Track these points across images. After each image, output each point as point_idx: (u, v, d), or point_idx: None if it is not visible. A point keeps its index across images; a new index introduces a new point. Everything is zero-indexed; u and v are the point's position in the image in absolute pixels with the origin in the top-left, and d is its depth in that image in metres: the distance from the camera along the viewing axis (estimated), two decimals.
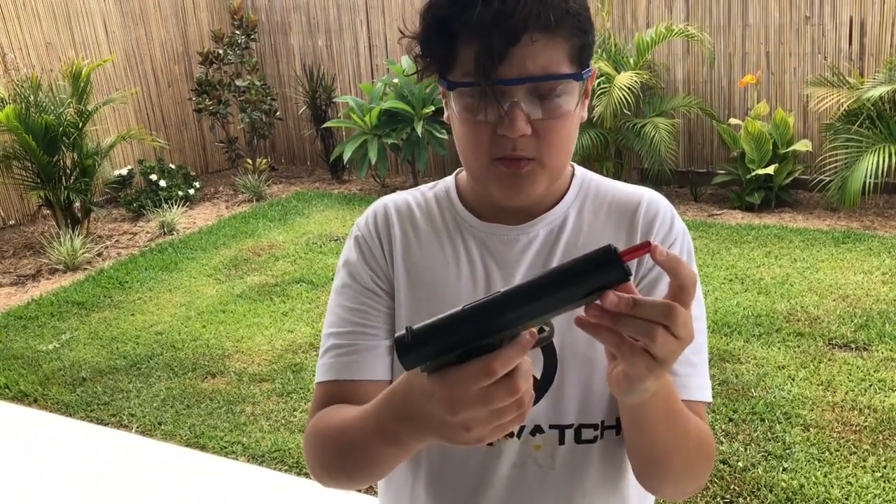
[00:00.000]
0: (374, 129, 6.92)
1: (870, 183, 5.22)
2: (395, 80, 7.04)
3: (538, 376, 0.99)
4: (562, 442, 1.02)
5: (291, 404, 3.68)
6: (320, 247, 5.81)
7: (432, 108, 6.77)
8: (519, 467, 1.03)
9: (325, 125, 7.69)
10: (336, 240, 5.93)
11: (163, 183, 7.12)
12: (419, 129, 6.68)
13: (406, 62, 7.01)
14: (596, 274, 0.70)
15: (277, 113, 7.85)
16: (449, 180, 1.13)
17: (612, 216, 1.05)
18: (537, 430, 1.02)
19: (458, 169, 1.12)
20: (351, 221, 6.35)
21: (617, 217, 1.05)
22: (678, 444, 0.94)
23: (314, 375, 2.95)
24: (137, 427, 3.61)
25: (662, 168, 6.04)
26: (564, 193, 1.06)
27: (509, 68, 0.88)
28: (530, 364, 0.75)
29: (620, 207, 1.05)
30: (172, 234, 6.37)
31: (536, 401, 1.01)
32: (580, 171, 1.09)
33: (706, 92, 6.47)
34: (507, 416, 0.74)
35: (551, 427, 1.01)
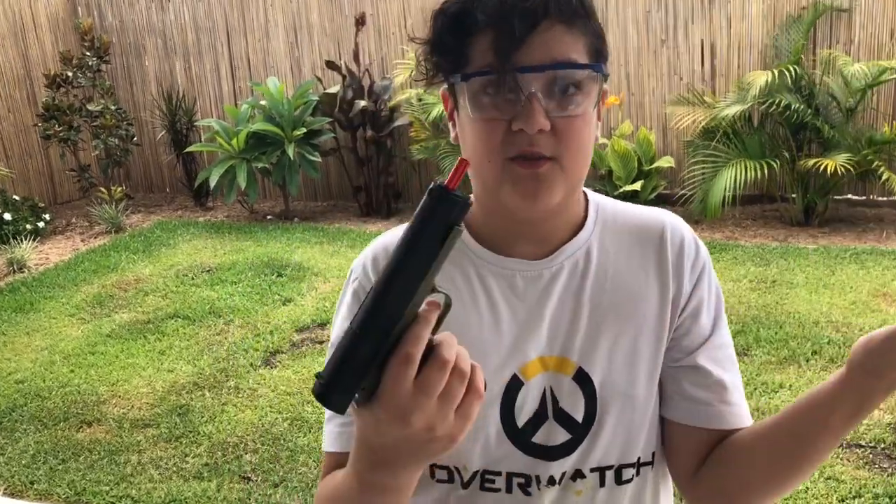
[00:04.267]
0: (242, 152, 6.67)
1: (728, 196, 5.55)
2: (263, 102, 6.84)
3: (579, 419, 0.95)
4: (602, 484, 0.98)
5: (182, 449, 3.43)
6: (192, 279, 5.52)
7: (303, 129, 6.61)
8: None
9: (187, 150, 7.35)
10: (208, 270, 5.65)
11: (7, 216, 6.55)
12: (290, 152, 6.50)
13: (272, 83, 6.83)
14: (439, 216, 0.68)
15: (134, 138, 7.43)
16: None
17: (636, 244, 1.00)
18: (578, 475, 0.97)
19: None
20: (222, 250, 6.09)
21: (641, 244, 1.00)
22: (797, 457, 0.91)
23: (202, 417, 2.73)
24: (6, 489, 3.25)
25: None
26: (582, 221, 1.00)
27: (528, 55, 0.83)
28: (450, 336, 0.70)
29: (643, 235, 1.00)
30: (24, 272, 5.87)
31: (577, 444, 0.96)
32: (592, 195, 1.04)
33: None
34: (457, 394, 0.69)
35: (592, 470, 0.97)
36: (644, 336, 0.97)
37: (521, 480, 0.97)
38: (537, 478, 0.97)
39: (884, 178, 5.42)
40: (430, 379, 0.67)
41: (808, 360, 3.81)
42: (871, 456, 3.10)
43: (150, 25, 7.85)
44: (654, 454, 1.01)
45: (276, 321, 4.70)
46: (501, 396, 0.96)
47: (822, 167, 5.40)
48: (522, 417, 0.96)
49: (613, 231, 1.01)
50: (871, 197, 6.18)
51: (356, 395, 0.70)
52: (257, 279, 5.40)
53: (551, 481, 0.97)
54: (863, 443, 3.17)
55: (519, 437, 0.96)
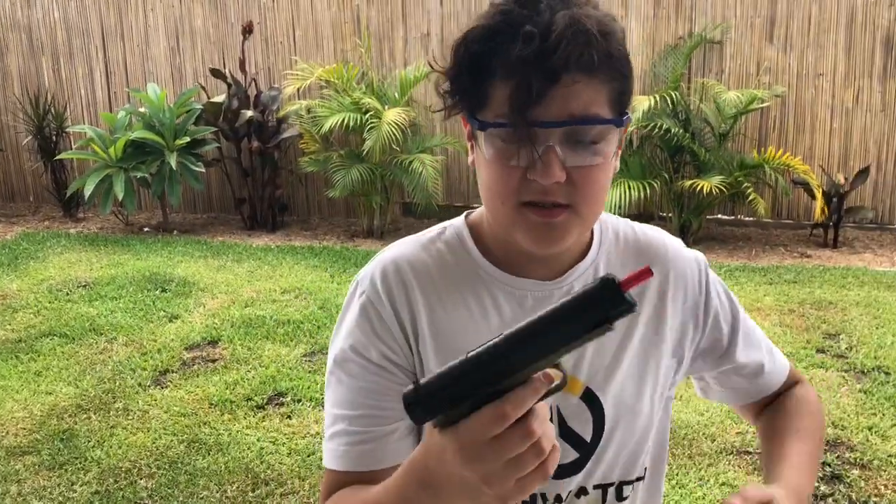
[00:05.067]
0: (120, 161, 6.35)
1: (612, 213, 5.75)
2: (142, 109, 6.54)
3: (587, 438, 0.95)
4: (604, 501, 1.00)
5: (68, 477, 3.20)
6: (67, 294, 5.18)
7: (186, 139, 6.37)
8: None
9: (59, 157, 6.92)
10: (85, 285, 5.33)
11: None
12: (172, 162, 6.24)
13: (152, 90, 6.55)
14: (598, 306, 0.67)
15: None
16: (458, 226, 1.02)
17: (642, 264, 1.01)
18: (582, 492, 0.99)
19: (467, 212, 1.04)
20: (99, 264, 5.77)
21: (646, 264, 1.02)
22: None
23: (89, 441, 2.55)
24: None
25: (430, 202, 6.20)
26: (590, 240, 1.02)
27: (546, 110, 0.83)
28: (546, 409, 0.71)
29: (648, 257, 1.03)
30: None
31: (585, 462, 0.97)
32: None
33: (462, 130, 6.76)
34: (526, 466, 0.69)
35: (595, 487, 0.99)
36: (652, 354, 1.00)
37: (527, 499, 0.98)
38: (543, 496, 0.98)
39: (751, 198, 5.80)
40: (510, 442, 0.68)
41: None
42: (758, 462, 3.28)
43: (14, 21, 7.37)
44: (646, 469, 1.04)
45: (164, 339, 4.49)
46: None
47: (698, 188, 5.71)
48: None
49: (619, 250, 1.03)
50: (739, 217, 6.60)
51: (437, 417, 0.71)
52: (140, 294, 5.14)
53: (558, 499, 0.98)
54: (750, 449, 3.36)
55: None
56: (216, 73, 6.67)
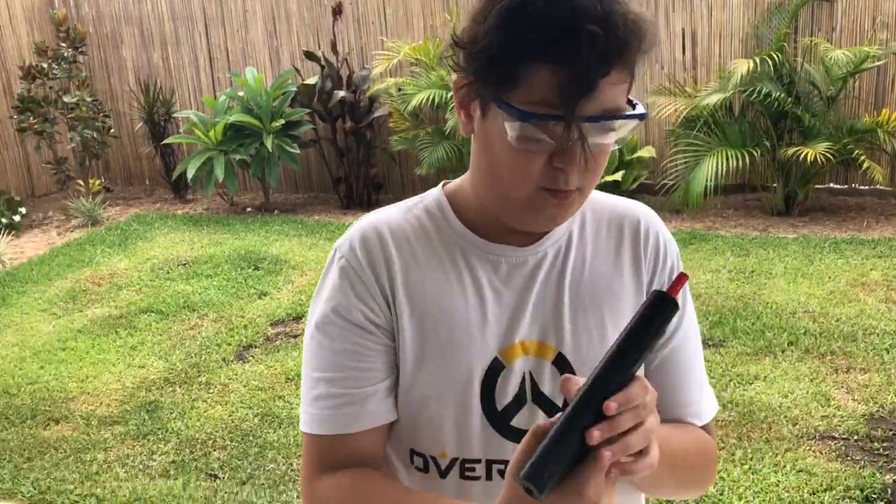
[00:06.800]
0: (220, 144, 6.59)
1: (709, 185, 5.50)
2: (241, 93, 6.76)
3: (559, 404, 0.99)
4: None
5: (149, 447, 3.38)
6: (167, 273, 5.45)
7: (282, 121, 6.54)
8: None
9: (164, 142, 7.27)
10: (185, 264, 5.59)
11: None
12: (269, 144, 6.43)
13: (250, 74, 6.76)
14: (661, 316, 0.80)
15: (111, 130, 7.33)
16: (436, 196, 1.03)
17: (613, 233, 1.04)
18: None
19: (443, 182, 1.05)
20: (199, 243, 6.02)
21: (617, 234, 1.04)
22: (681, 479, 1.01)
23: (171, 413, 2.62)
24: None
25: None
26: None
27: (591, 104, 0.82)
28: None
29: (620, 225, 1.04)
30: None
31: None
32: None
33: None
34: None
35: None
36: (619, 322, 1.00)
37: (501, 467, 0.99)
38: None
39: (864, 166, 5.39)
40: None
41: (783, 351, 3.78)
42: (843, 448, 3.07)
43: (126, 15, 7.75)
44: None
45: (251, 315, 4.65)
46: (482, 379, 0.98)
47: (802, 156, 5.37)
48: (502, 401, 0.98)
49: (591, 218, 1.04)
50: (853, 185, 6.15)
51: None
52: (233, 272, 5.34)
53: None
54: (836, 434, 3.15)
55: (498, 420, 0.99)
56: (309, 56, 6.79)
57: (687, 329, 1.06)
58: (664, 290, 0.80)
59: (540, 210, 0.91)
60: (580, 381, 0.79)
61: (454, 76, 0.94)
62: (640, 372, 0.82)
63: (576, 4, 0.81)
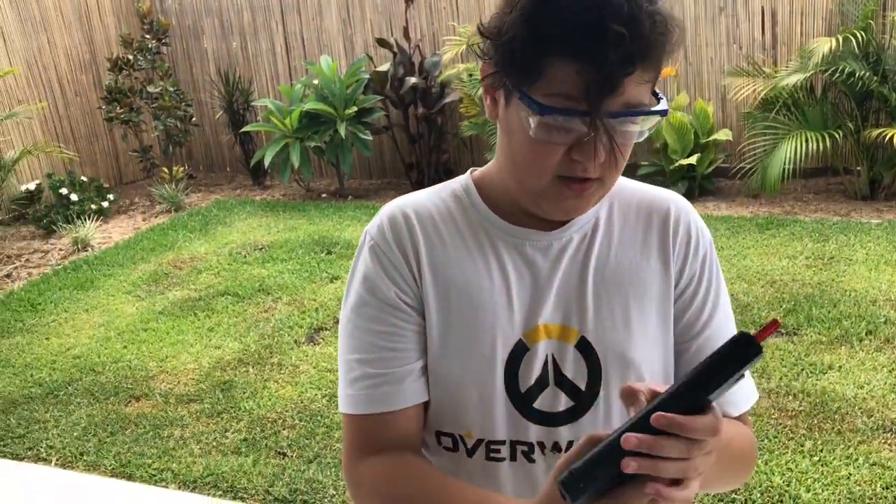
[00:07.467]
0: (296, 131, 6.74)
1: (788, 169, 5.33)
2: (315, 81, 6.88)
3: (582, 387, 1.00)
4: None
5: (223, 425, 3.52)
6: (244, 257, 5.62)
7: (355, 108, 6.63)
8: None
9: (243, 130, 7.47)
10: (261, 249, 5.75)
11: (74, 197, 6.78)
12: (342, 131, 6.53)
13: (325, 62, 6.87)
14: (742, 358, 0.77)
15: (193, 119, 7.58)
16: (464, 181, 1.06)
17: (642, 221, 1.04)
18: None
19: (472, 168, 1.07)
20: (276, 228, 6.18)
21: (646, 222, 1.04)
22: (726, 475, 1.00)
23: (244, 393, 2.70)
24: (57, 460, 3.39)
25: None
26: None
27: (615, 100, 0.84)
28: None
29: (649, 213, 1.04)
30: (87, 251, 6.08)
31: (581, 411, 1.01)
32: None
33: None
34: None
35: None
36: (645, 308, 1.01)
37: (525, 448, 1.01)
38: (541, 444, 1.01)
39: None
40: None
41: (861, 341, 3.66)
42: None
43: (207, 6, 7.97)
44: None
45: (323, 298, 4.76)
46: (506, 360, 0.99)
47: (888, 137, 5.14)
48: (525, 383, 1.00)
49: (620, 205, 1.04)
50: None
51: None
52: (307, 257, 5.47)
53: (556, 448, 1.00)
54: None
55: (521, 402, 1.00)
56: (382, 43, 6.86)
57: (722, 318, 1.05)
58: (752, 333, 0.77)
59: (557, 200, 0.93)
60: (641, 388, 0.80)
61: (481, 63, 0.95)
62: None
63: (603, 2, 0.81)
